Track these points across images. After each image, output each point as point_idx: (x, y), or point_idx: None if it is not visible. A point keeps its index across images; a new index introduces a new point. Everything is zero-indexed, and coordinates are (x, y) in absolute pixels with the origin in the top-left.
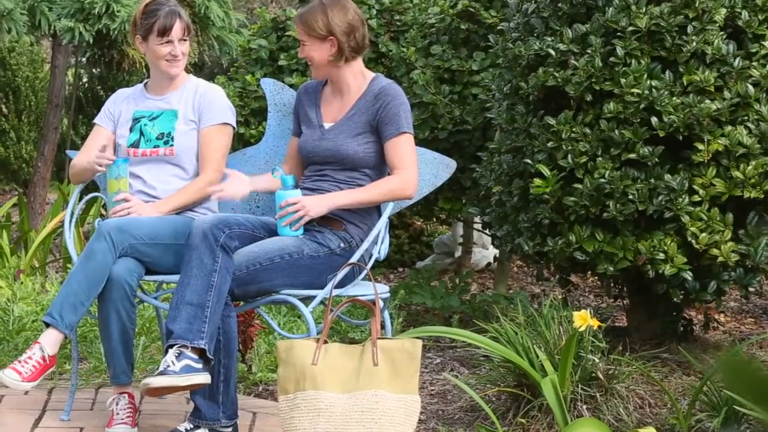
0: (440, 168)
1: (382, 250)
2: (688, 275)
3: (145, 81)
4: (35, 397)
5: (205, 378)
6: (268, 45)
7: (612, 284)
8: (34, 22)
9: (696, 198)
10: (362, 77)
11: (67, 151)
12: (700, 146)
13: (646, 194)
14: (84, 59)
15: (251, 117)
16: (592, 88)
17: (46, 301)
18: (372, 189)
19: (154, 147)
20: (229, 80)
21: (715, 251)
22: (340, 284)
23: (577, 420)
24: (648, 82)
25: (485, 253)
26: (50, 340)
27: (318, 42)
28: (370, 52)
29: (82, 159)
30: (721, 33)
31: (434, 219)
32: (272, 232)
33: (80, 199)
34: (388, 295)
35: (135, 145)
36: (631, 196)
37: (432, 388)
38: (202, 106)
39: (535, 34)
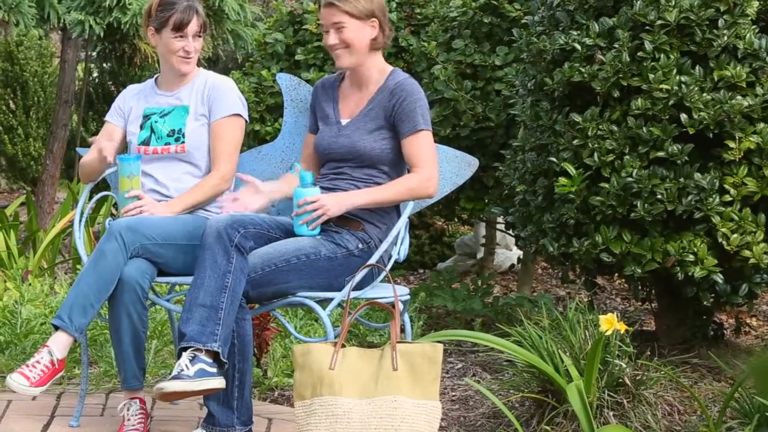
0: (462, 166)
1: (401, 250)
2: (719, 278)
3: (156, 76)
4: (43, 402)
5: (219, 383)
6: (284, 39)
7: (640, 287)
8: (42, 14)
9: (727, 198)
10: (381, 71)
11: (77, 149)
12: (731, 144)
13: (675, 194)
14: (94, 53)
15: (267, 113)
16: (619, 84)
17: (54, 303)
18: (391, 188)
19: (165, 144)
20: (244, 75)
21: (746, 253)
22: (359, 286)
23: (604, 427)
24: (677, 77)
25: (508, 254)
26: (59, 344)
27: (359, 23)
28: (390, 47)
29: (92, 157)
30: (754, 27)
31: (456, 219)
32: (288, 232)
33: (90, 197)
34: (408, 297)
35: (146, 142)
36: (659, 196)
37: (453, 393)
38: (212, 99)
39: (560, 28)
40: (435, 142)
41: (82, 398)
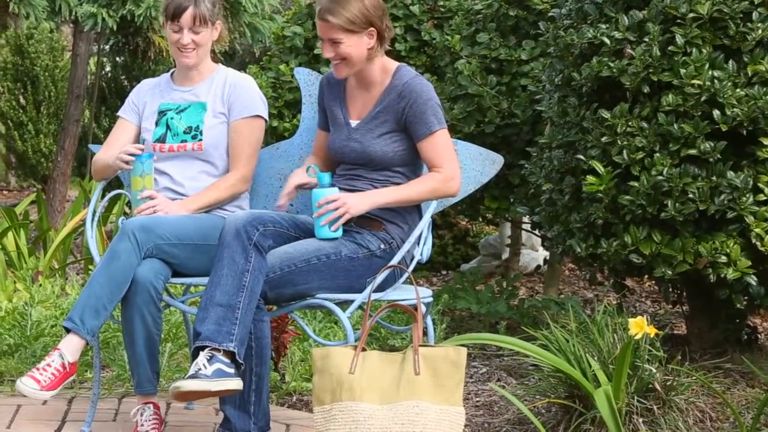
0: (486, 164)
1: (424, 251)
2: (753, 280)
3: (172, 71)
4: (54, 407)
5: (237, 384)
6: (303, 32)
7: (670, 289)
8: (53, 7)
9: (761, 197)
10: (385, 70)
11: (90, 145)
12: (766, 141)
13: (707, 193)
14: (107, 47)
15: (285, 109)
16: (649, 79)
17: (66, 304)
18: (414, 187)
19: (182, 142)
20: (262, 70)
21: None
22: (380, 288)
23: None
24: (710, 72)
25: (534, 255)
26: (71, 347)
27: (355, 36)
28: (412, 41)
29: (105, 154)
30: None
31: (480, 218)
32: (308, 232)
33: (103, 196)
34: (431, 299)
35: (161, 139)
36: (691, 195)
37: (477, 399)
38: (232, 98)
39: (588, 21)
40: (459, 139)
41: (94, 403)
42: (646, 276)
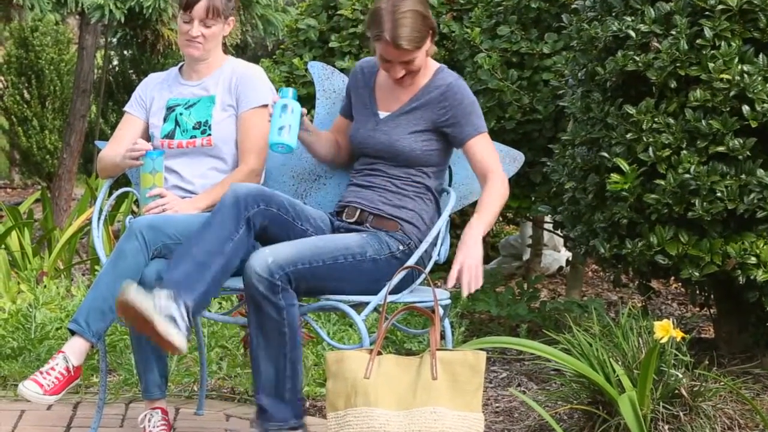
0: (507, 162)
1: (442, 251)
2: None
3: (180, 64)
4: (59, 412)
5: (180, 341)
6: (317, 25)
7: (698, 291)
8: None
9: None
10: (424, 66)
11: (96, 142)
12: None
13: (736, 191)
14: (114, 40)
15: None
16: (676, 74)
17: (71, 306)
18: (493, 206)
19: (191, 138)
20: (275, 64)
21: None
22: (396, 290)
23: None
24: (739, 66)
25: (556, 255)
26: (75, 350)
27: (423, 51)
28: None
29: (111, 151)
30: None
31: (500, 218)
32: (317, 228)
33: (110, 194)
34: (449, 301)
35: (170, 135)
36: (719, 194)
37: (497, 405)
38: (240, 88)
39: (613, 14)
40: None
41: (101, 408)
42: (672, 278)
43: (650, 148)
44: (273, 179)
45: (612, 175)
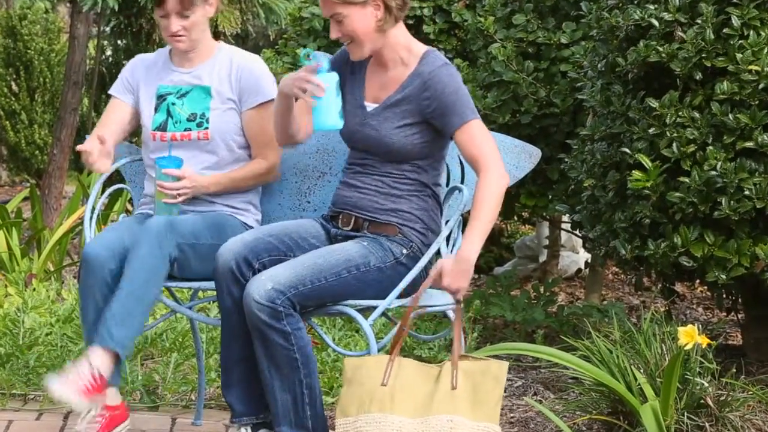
0: (523, 158)
1: (455, 252)
2: None
3: (170, 48)
4: (49, 423)
5: None
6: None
7: (724, 295)
8: None
9: None
10: (409, 50)
11: (88, 136)
12: None
13: (765, 189)
14: (108, 29)
15: None
16: (702, 65)
17: (62, 310)
18: (487, 212)
19: (185, 130)
20: (277, 54)
21: None
22: (405, 294)
23: None
24: None
25: (575, 257)
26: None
27: (359, 9)
28: (441, 23)
29: (96, 141)
30: None
31: (515, 217)
32: (313, 246)
33: (103, 191)
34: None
35: (161, 127)
36: (747, 192)
37: (512, 414)
38: (243, 83)
39: (635, 1)
40: (493, 130)
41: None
42: (697, 281)
43: (674, 144)
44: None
45: (633, 172)
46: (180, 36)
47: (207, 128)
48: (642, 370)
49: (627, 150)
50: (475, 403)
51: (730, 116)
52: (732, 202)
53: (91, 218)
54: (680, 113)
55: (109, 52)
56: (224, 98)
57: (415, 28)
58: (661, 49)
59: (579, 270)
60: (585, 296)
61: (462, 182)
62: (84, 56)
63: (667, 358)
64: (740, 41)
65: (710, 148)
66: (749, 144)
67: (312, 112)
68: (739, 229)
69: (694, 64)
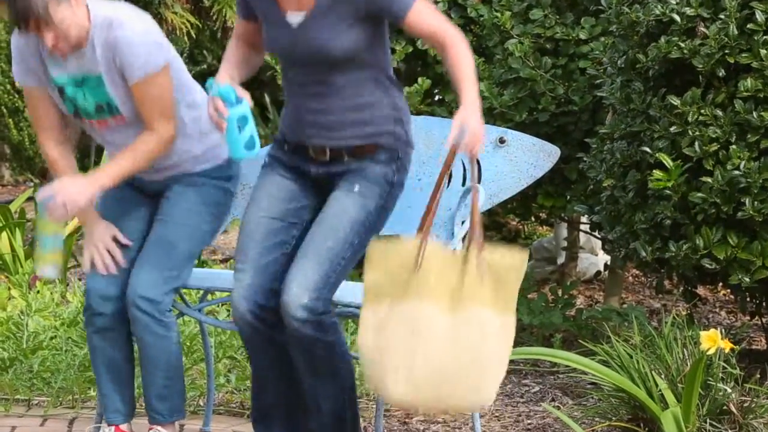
0: (540, 157)
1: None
2: None
3: None
4: (54, 429)
5: None
6: None
7: (748, 298)
8: None
9: None
10: None
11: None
12: None
13: None
14: None
15: None
16: (725, 61)
17: (66, 313)
18: (470, 71)
19: (100, 118)
20: None
21: None
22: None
23: None
24: None
25: (594, 259)
26: None
27: None
28: (457, 18)
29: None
30: None
31: (533, 218)
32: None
33: None
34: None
35: (77, 114)
36: None
37: (529, 421)
38: (118, 60)
39: None
40: (509, 128)
41: (99, 424)
42: (720, 283)
43: (696, 143)
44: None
45: (654, 171)
46: (59, 46)
47: (120, 114)
48: (663, 376)
49: (647, 149)
50: (498, 295)
51: (754, 114)
52: (756, 202)
53: None
54: (702, 111)
55: None
56: (117, 83)
57: None
58: (683, 45)
59: (598, 272)
60: (604, 299)
61: (479, 182)
62: None
63: (688, 364)
64: (765, 37)
65: (733, 146)
66: None
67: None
68: (764, 231)
69: (717, 61)
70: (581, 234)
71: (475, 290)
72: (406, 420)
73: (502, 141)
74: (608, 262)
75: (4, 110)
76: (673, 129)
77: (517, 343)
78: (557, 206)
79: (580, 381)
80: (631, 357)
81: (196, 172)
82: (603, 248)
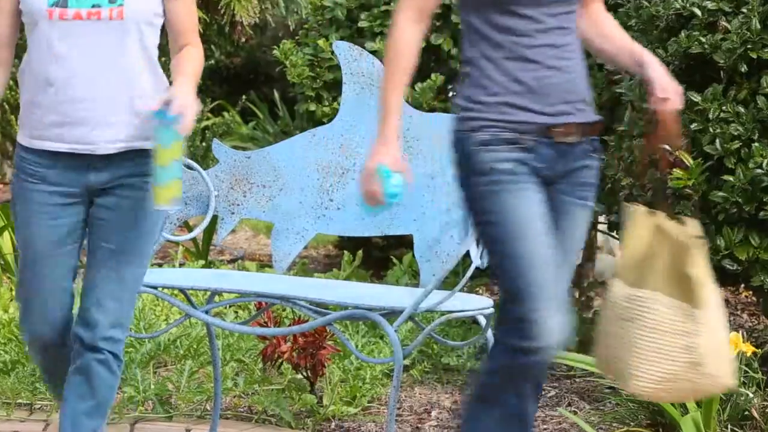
0: None
1: (484, 255)
2: None
3: None
4: None
5: None
6: (345, 2)
7: None
8: None
9: None
10: None
11: None
12: None
13: None
14: None
15: (324, 91)
16: (747, 57)
17: None
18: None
19: (93, 6)
20: (297, 45)
21: None
22: None
23: None
24: None
25: (612, 260)
26: None
27: None
28: None
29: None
30: None
31: None
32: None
33: None
34: (492, 310)
35: (59, 3)
36: None
37: (545, 426)
38: None
39: None
40: None
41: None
42: (742, 285)
43: (717, 140)
44: (295, 173)
45: (674, 170)
46: None
47: (121, 5)
48: None
49: (667, 147)
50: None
51: None
52: None
53: None
54: (724, 108)
55: None
56: None
57: (444, 17)
58: (703, 39)
59: None
60: None
61: None
62: None
63: None
64: None
65: (756, 144)
66: None
67: None
68: None
69: (739, 56)
70: (599, 234)
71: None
72: (419, 425)
73: None
74: None
75: (6, 106)
76: (693, 126)
77: None
78: None
79: (597, 385)
80: None
81: (144, 161)
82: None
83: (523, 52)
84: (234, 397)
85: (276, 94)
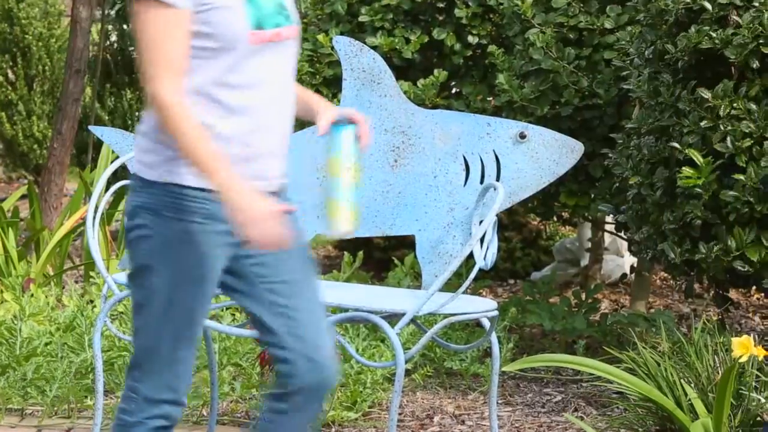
0: (563, 153)
1: (488, 256)
2: None
3: None
4: None
5: None
6: None
7: None
8: None
9: None
10: None
11: (91, 127)
12: None
13: None
14: (112, 12)
15: (324, 87)
16: (759, 52)
17: (62, 318)
18: None
19: (275, 26)
20: None
21: None
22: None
23: None
24: None
25: (619, 261)
26: None
27: None
28: (475, 6)
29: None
30: None
31: (555, 218)
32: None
33: (107, 189)
34: (496, 313)
35: (259, 24)
36: None
37: None
38: None
39: None
40: (530, 122)
41: None
42: (753, 287)
43: (728, 138)
44: (295, 171)
45: (684, 168)
46: None
47: (292, 22)
48: (693, 385)
49: (676, 145)
50: None
51: None
52: None
53: (94, 218)
54: (735, 104)
55: (113, 38)
56: None
57: (447, 12)
58: (714, 34)
59: (624, 275)
60: (630, 304)
61: (497, 179)
62: (87, 42)
63: (720, 372)
64: None
65: None
66: None
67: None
68: None
69: (751, 51)
70: (606, 234)
71: None
72: (421, 431)
73: (522, 136)
74: (634, 265)
75: None
76: (703, 123)
77: (538, 349)
78: (581, 205)
79: (604, 390)
80: (659, 365)
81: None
82: (629, 250)
83: None
84: (231, 401)
85: None
